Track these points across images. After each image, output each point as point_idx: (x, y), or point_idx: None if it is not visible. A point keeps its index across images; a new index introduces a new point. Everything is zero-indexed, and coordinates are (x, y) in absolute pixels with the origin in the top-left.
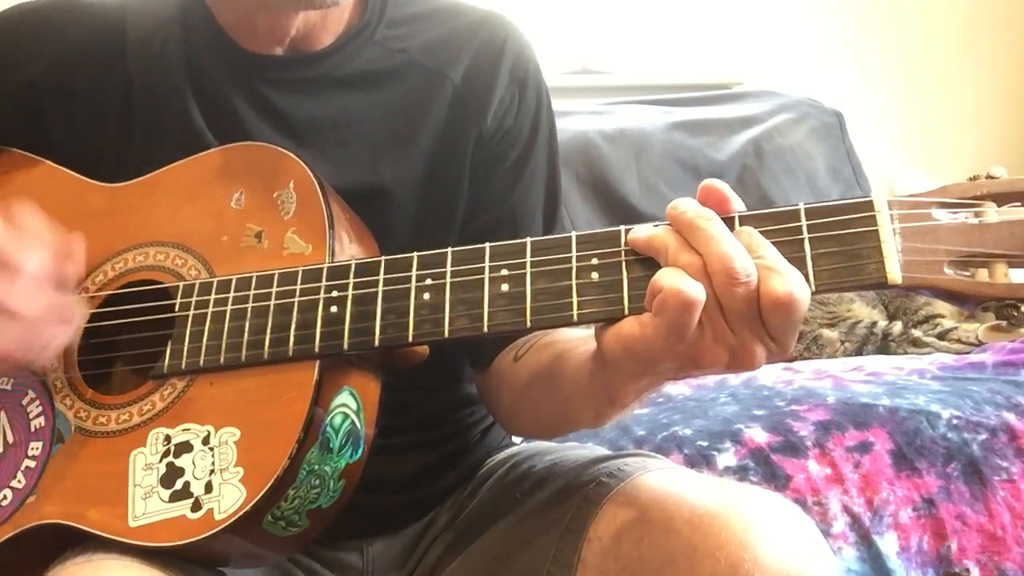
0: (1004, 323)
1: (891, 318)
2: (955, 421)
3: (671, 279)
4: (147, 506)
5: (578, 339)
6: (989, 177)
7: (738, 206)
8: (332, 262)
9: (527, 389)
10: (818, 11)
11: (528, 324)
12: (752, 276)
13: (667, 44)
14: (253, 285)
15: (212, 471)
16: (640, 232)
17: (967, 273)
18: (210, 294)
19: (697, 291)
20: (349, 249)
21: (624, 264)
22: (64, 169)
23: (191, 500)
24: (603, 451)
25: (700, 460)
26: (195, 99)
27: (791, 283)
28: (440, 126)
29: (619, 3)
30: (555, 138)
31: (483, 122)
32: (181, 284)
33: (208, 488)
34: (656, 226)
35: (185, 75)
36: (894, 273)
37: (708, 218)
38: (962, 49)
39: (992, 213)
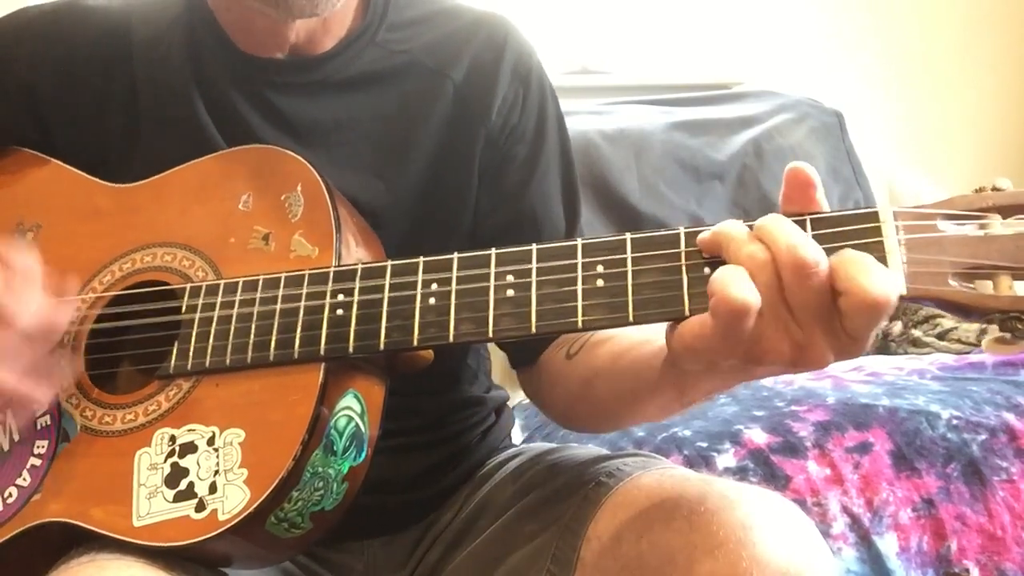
0: (1008, 335)
1: (891, 318)
2: (955, 421)
3: (720, 283)
4: (151, 506)
5: (639, 338)
6: (995, 189)
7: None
8: (338, 265)
9: (587, 386)
10: (818, 11)
11: (533, 330)
12: (823, 265)
13: (667, 44)
14: (259, 287)
15: (216, 472)
16: (704, 233)
17: (971, 285)
18: (217, 296)
19: (747, 296)
20: (355, 252)
21: (629, 271)
22: (73, 169)
23: (195, 500)
24: (602, 451)
25: (700, 461)
26: (201, 99)
27: (884, 282)
28: (443, 126)
29: (619, 3)
30: (565, 130)
31: (488, 121)
32: (188, 285)
33: (212, 489)
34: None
35: (191, 77)
36: (899, 284)
37: (772, 217)
38: (962, 49)
39: (997, 225)
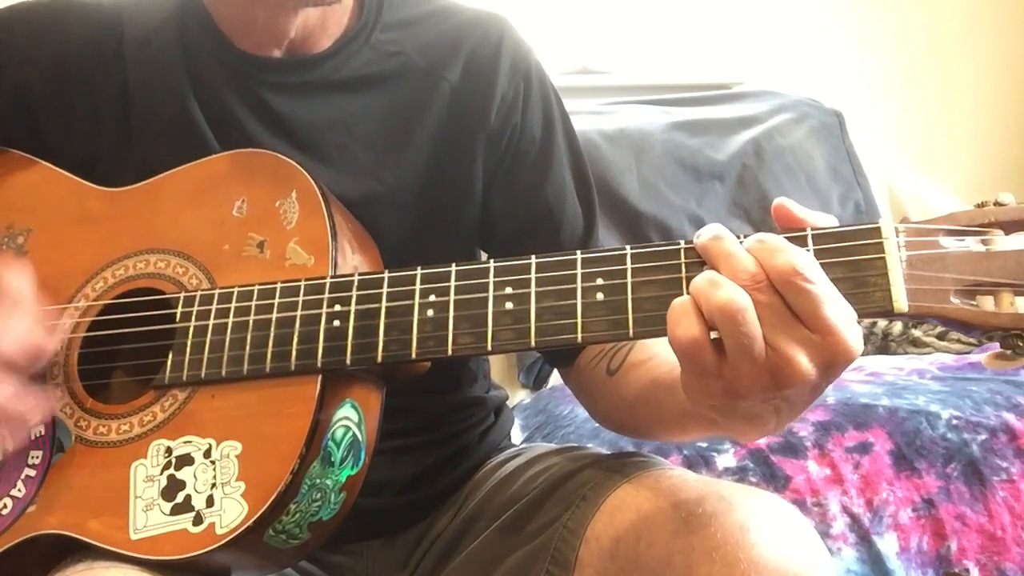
0: (1009, 352)
1: (891, 318)
2: (955, 421)
3: (669, 325)
4: (148, 519)
5: (672, 364)
6: (997, 204)
7: (813, 218)
8: (335, 275)
9: (631, 410)
10: (818, 11)
11: (532, 344)
12: (763, 281)
13: (667, 44)
14: (255, 297)
15: (214, 485)
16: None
17: (973, 302)
18: (211, 305)
19: (692, 332)
20: (352, 260)
21: (629, 285)
22: (64, 172)
23: (192, 514)
24: (602, 452)
25: (699, 461)
26: (194, 97)
27: (792, 256)
28: (439, 127)
29: (619, 3)
30: (571, 126)
31: (487, 122)
32: (182, 294)
33: (209, 502)
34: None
35: (184, 75)
36: (900, 301)
37: (719, 237)
38: (963, 49)
39: (999, 241)
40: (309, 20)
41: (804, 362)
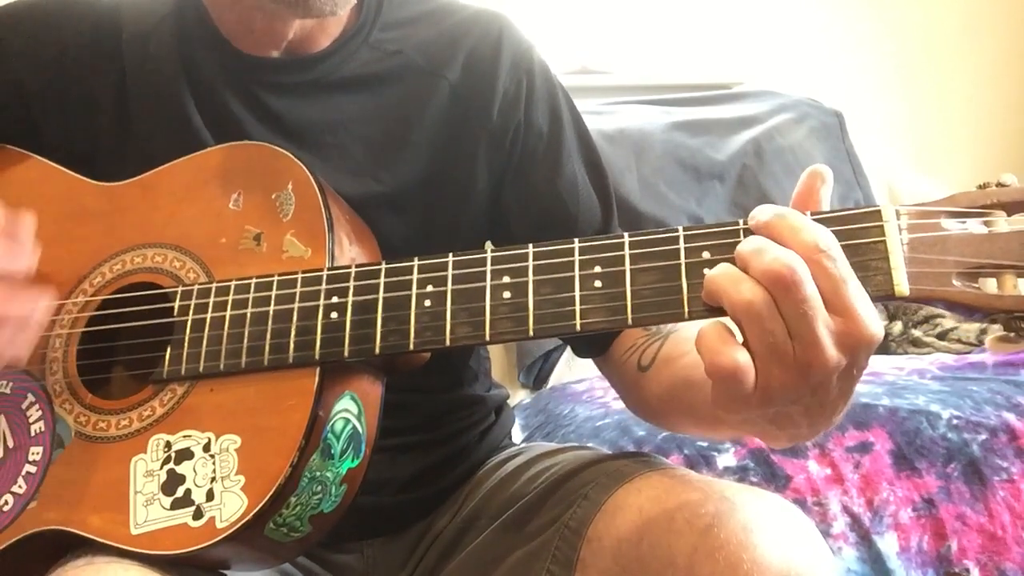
0: (1012, 335)
1: (891, 318)
2: (955, 421)
3: (707, 350)
4: (148, 513)
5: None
6: (999, 185)
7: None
8: (332, 266)
9: (664, 407)
10: (819, 11)
11: (531, 333)
12: (799, 275)
13: (667, 44)
14: (252, 290)
15: (213, 479)
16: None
17: (975, 285)
18: (209, 298)
19: (736, 360)
20: (349, 251)
21: (628, 273)
22: (61, 168)
23: (192, 508)
24: (603, 451)
25: (700, 460)
26: (192, 97)
27: (816, 233)
28: (439, 126)
29: (619, 3)
30: (580, 118)
31: (489, 120)
32: (180, 288)
33: (209, 496)
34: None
35: (181, 73)
36: (901, 285)
37: (781, 215)
38: (962, 49)
39: (1002, 222)
40: (307, 22)
41: (829, 346)
